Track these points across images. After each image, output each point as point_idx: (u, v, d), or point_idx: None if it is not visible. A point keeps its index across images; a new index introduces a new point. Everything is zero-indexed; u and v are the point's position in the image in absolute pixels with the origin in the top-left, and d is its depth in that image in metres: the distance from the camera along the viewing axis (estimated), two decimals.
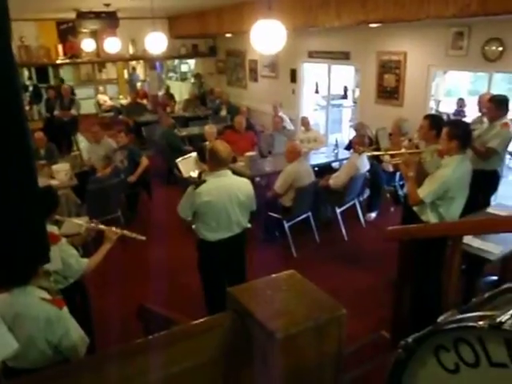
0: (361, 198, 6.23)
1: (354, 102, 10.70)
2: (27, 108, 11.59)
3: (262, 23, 3.37)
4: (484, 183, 4.42)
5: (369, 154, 4.40)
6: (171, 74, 16.16)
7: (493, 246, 3.39)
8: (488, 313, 1.08)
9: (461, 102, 8.36)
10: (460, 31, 6.07)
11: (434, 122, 3.85)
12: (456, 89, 12.14)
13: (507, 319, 0.98)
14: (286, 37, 3.43)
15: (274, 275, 1.63)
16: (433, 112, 6.67)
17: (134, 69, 15.14)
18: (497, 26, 5.57)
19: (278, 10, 3.77)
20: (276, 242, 5.45)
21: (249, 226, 3.59)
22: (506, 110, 4.63)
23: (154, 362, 1.39)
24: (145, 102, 12.07)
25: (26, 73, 12.59)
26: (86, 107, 12.14)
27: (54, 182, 5.45)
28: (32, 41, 10.11)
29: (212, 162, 3.41)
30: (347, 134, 10.05)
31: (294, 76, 9.40)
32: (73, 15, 8.29)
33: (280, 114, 8.26)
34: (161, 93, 12.70)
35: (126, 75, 15.15)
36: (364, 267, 4.92)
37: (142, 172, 6.29)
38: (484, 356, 1.05)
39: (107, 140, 6.66)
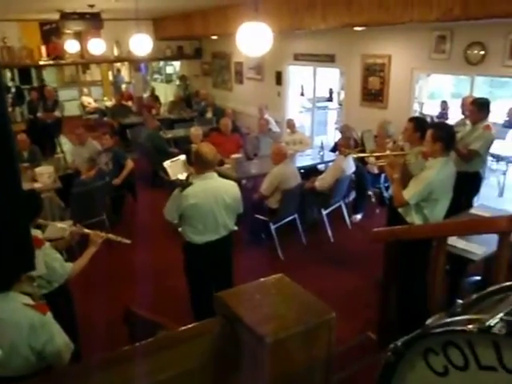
0: (346, 200, 6.26)
1: (340, 105, 10.76)
2: (10, 110, 11.41)
3: (248, 25, 3.37)
4: (467, 185, 4.48)
5: (354, 155, 4.43)
6: (156, 76, 16.08)
7: (476, 247, 3.44)
8: (476, 316, 1.09)
9: (444, 105, 8.47)
10: (443, 35, 6.16)
11: (419, 124, 3.90)
12: (439, 91, 12.31)
13: (496, 323, 0.99)
14: (272, 39, 3.43)
15: (262, 279, 1.62)
16: (417, 114, 6.74)
17: (118, 70, 15.02)
18: (478, 30, 5.66)
19: (263, 12, 3.78)
20: (262, 244, 5.45)
21: (235, 228, 3.59)
22: (488, 112, 4.70)
23: (141, 369, 1.37)
24: (130, 104, 11.98)
25: (8, 74, 12.38)
26: (70, 109, 12.02)
27: (37, 185, 5.37)
28: (15, 42, 9.96)
29: (198, 164, 3.40)
30: (332, 136, 10.10)
31: (279, 78, 9.43)
32: (56, 16, 8.19)
33: (266, 116, 8.28)
34: (146, 95, 12.62)
35: (110, 77, 15.02)
36: (350, 268, 4.94)
37: (127, 174, 6.24)
38: (473, 359, 1.05)
39: (92, 142, 6.59)
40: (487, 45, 5.71)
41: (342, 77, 9.68)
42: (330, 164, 6.20)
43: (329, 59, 8.13)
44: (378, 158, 4.19)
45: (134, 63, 12.52)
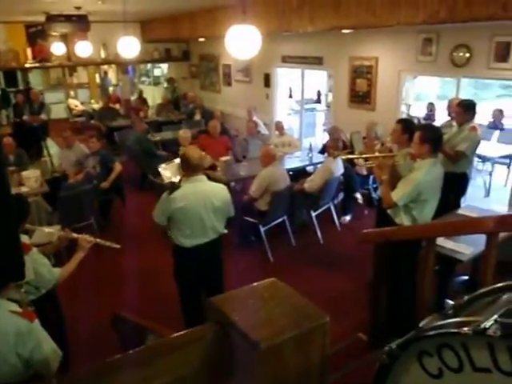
0: (335, 202, 6.29)
1: (328, 107, 10.82)
2: None
3: (237, 28, 3.37)
4: (454, 185, 4.53)
5: (343, 157, 4.45)
6: (144, 79, 16.01)
7: (464, 247, 3.48)
8: (470, 318, 1.09)
9: (431, 106, 8.57)
10: (429, 37, 6.23)
11: (407, 126, 3.93)
12: (425, 93, 12.45)
13: (491, 325, 1.00)
14: (260, 42, 3.44)
15: (255, 283, 1.61)
16: (404, 116, 6.81)
17: (105, 73, 14.92)
18: (464, 32, 5.73)
19: (251, 14, 3.79)
20: (252, 246, 5.45)
21: (225, 231, 3.58)
22: (474, 114, 4.76)
23: (132, 378, 1.35)
24: (117, 106, 11.91)
25: None
26: (57, 112, 11.88)
27: (24, 189, 5.30)
28: (0, 44, 9.83)
29: (185, 168, 3.39)
30: (321, 137, 10.15)
31: (267, 81, 9.45)
32: (42, 18, 8.11)
33: (254, 118, 8.28)
34: (133, 97, 12.56)
35: (97, 79, 14.92)
36: (340, 270, 4.96)
37: (116, 178, 6.19)
38: (467, 361, 1.06)
39: (79, 145, 6.53)
40: (472, 47, 5.78)
41: (329, 79, 9.75)
42: (319, 166, 6.22)
43: (317, 61, 8.16)
44: (366, 159, 4.22)
45: (122, 66, 12.45)
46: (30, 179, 5.50)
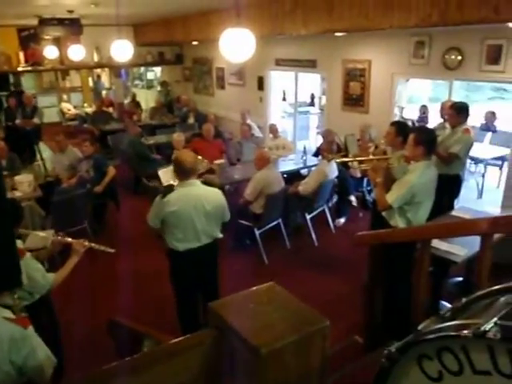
0: (330, 204, 6.30)
1: (321, 109, 10.85)
2: None
3: (231, 31, 3.37)
4: (448, 187, 4.56)
5: (338, 160, 4.46)
6: (137, 82, 15.97)
7: (458, 249, 3.50)
8: (469, 321, 1.10)
9: (424, 109, 8.62)
10: (421, 40, 6.28)
11: (400, 128, 3.95)
12: (417, 96, 12.54)
13: (491, 327, 1.00)
14: (255, 45, 3.44)
15: (254, 288, 1.60)
16: (397, 119, 6.84)
17: (98, 77, 14.87)
18: (456, 35, 5.78)
19: (245, 17, 3.78)
20: (247, 249, 5.44)
21: (220, 236, 3.55)
22: (467, 116, 4.80)
23: None
24: (110, 110, 11.86)
25: None
26: (50, 116, 11.84)
27: (17, 194, 5.26)
28: None
29: (178, 172, 3.38)
30: (314, 140, 10.17)
31: (261, 84, 9.46)
32: (35, 22, 8.06)
33: (248, 121, 8.29)
34: (127, 101, 12.52)
35: (90, 83, 14.86)
36: (335, 272, 4.97)
37: (109, 182, 6.16)
38: (467, 364, 1.06)
39: (72, 149, 6.50)
40: (464, 50, 5.83)
41: (323, 82, 9.78)
42: (313, 168, 6.23)
43: (310, 64, 8.19)
44: (361, 162, 4.23)
45: (115, 69, 12.42)
46: (23, 184, 5.46)
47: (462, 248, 3.50)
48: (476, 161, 7.38)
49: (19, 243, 2.74)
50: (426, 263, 2.58)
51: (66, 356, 2.98)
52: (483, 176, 7.32)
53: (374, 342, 2.93)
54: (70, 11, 7.28)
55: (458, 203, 5.27)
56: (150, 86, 15.36)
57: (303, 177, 6.45)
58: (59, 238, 3.03)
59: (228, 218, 3.62)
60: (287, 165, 6.74)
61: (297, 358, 1.34)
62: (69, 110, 13.25)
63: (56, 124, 12.34)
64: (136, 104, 11.56)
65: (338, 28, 5.50)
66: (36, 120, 8.85)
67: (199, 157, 5.58)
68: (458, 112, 4.73)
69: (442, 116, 5.50)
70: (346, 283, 4.65)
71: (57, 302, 3.22)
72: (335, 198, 6.51)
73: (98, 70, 14.31)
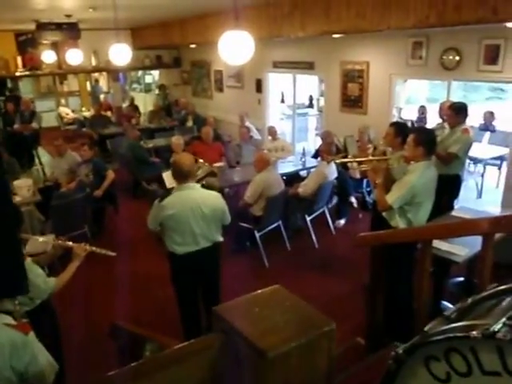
0: (329, 206, 6.30)
1: (320, 111, 10.86)
2: None
3: (230, 34, 3.37)
4: (448, 187, 4.56)
5: (338, 161, 4.46)
6: (135, 86, 15.99)
7: (459, 249, 3.50)
8: (477, 322, 1.09)
9: (422, 109, 8.63)
10: (419, 41, 6.29)
11: (399, 129, 3.96)
12: (415, 97, 12.56)
13: (500, 328, 1.00)
14: (253, 47, 3.44)
15: (259, 291, 1.59)
16: (396, 119, 6.85)
17: (96, 81, 14.89)
18: (453, 36, 5.80)
19: (243, 20, 3.79)
20: (247, 252, 5.43)
21: (220, 239, 3.53)
22: (465, 116, 4.80)
23: None
24: (109, 114, 11.86)
25: None
26: (48, 120, 11.83)
27: (16, 199, 5.25)
28: None
29: (176, 175, 3.38)
30: (313, 142, 10.17)
31: (259, 86, 9.48)
32: (32, 26, 8.07)
33: (247, 123, 8.30)
34: (125, 104, 12.52)
35: (88, 87, 14.87)
36: (336, 273, 4.96)
37: (108, 186, 6.15)
38: (476, 365, 1.05)
39: (71, 153, 6.49)
40: (462, 50, 5.85)
41: (321, 83, 9.80)
42: (313, 170, 6.23)
43: (308, 66, 8.20)
44: (360, 163, 4.23)
45: (113, 73, 12.42)
46: (22, 188, 5.45)
47: (462, 248, 3.50)
48: (475, 161, 7.39)
49: None
50: (428, 264, 2.57)
51: (67, 361, 2.97)
52: (482, 176, 7.32)
53: (377, 343, 2.92)
54: (68, 16, 7.29)
55: (457, 203, 5.27)
56: (148, 89, 15.38)
57: (302, 178, 6.45)
58: (60, 242, 3.02)
59: (228, 222, 3.59)
60: (286, 167, 6.73)
61: (304, 361, 1.33)
62: (67, 114, 13.25)
63: (54, 128, 12.34)
64: (134, 108, 11.57)
65: (336, 30, 5.51)
66: (34, 125, 8.84)
67: (201, 160, 5.57)
68: (456, 112, 4.74)
69: (441, 116, 5.51)
70: (347, 284, 4.65)
71: (57, 306, 3.20)
72: (335, 200, 6.50)
73: (96, 74, 14.33)
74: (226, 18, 6.45)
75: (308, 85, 11.60)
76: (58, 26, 7.78)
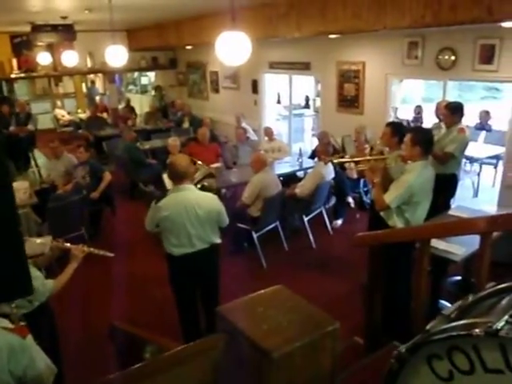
0: (327, 206, 6.30)
1: (316, 112, 10.87)
2: None
3: (226, 35, 3.37)
4: (444, 186, 4.57)
5: (335, 161, 4.47)
6: (131, 87, 15.95)
7: (457, 248, 3.51)
8: (479, 320, 1.10)
9: (418, 109, 8.65)
10: (415, 41, 6.31)
11: (396, 128, 3.97)
12: (410, 96, 12.60)
13: (503, 326, 1.00)
14: (250, 48, 3.45)
15: (262, 291, 1.59)
16: (392, 119, 6.87)
17: (93, 82, 14.84)
18: (449, 36, 5.82)
19: (239, 21, 3.79)
20: (245, 253, 5.43)
21: (218, 241, 3.51)
22: (461, 115, 4.82)
23: None
24: (105, 115, 11.84)
25: None
26: (43, 122, 11.80)
27: None
28: None
29: (172, 176, 3.38)
30: (310, 142, 10.18)
31: (255, 87, 9.48)
32: (27, 28, 8.04)
33: (243, 124, 8.29)
34: (121, 106, 12.50)
35: (84, 89, 14.83)
36: (333, 273, 4.97)
37: (105, 187, 6.14)
38: (479, 363, 1.06)
39: (67, 155, 6.47)
40: (458, 50, 5.87)
41: (317, 84, 9.81)
42: (310, 170, 6.24)
43: (304, 67, 8.21)
44: (358, 162, 4.24)
45: (108, 74, 12.40)
46: (19, 191, 5.42)
47: (460, 247, 3.52)
48: (471, 160, 7.41)
49: None
50: (426, 263, 2.58)
51: (65, 363, 2.96)
52: (478, 175, 7.35)
53: (375, 342, 2.92)
54: (64, 17, 7.27)
55: (454, 202, 5.29)
56: (144, 90, 15.35)
57: (299, 179, 6.45)
58: (58, 243, 3.01)
59: (225, 224, 3.57)
60: (283, 167, 6.74)
61: (308, 361, 1.33)
62: (63, 116, 13.21)
63: (50, 130, 12.29)
64: (130, 109, 11.54)
65: (332, 30, 5.51)
66: (30, 127, 8.82)
67: (199, 162, 5.57)
68: (452, 112, 4.76)
69: (438, 116, 5.53)
70: (344, 284, 4.65)
71: (55, 308, 3.19)
72: (332, 200, 6.51)
73: (92, 76, 14.29)
74: (222, 19, 6.45)
75: (304, 85, 11.61)
76: (54, 28, 7.75)
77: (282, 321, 1.40)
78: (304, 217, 5.65)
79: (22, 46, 10.37)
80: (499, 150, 7.13)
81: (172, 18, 8.43)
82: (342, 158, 4.66)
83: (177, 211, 3.26)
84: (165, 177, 5.88)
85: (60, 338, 3.16)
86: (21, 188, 5.48)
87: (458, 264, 3.74)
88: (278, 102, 11.22)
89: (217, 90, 10.86)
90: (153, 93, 13.29)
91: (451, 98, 6.24)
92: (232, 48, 3.40)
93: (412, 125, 7.70)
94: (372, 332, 3.15)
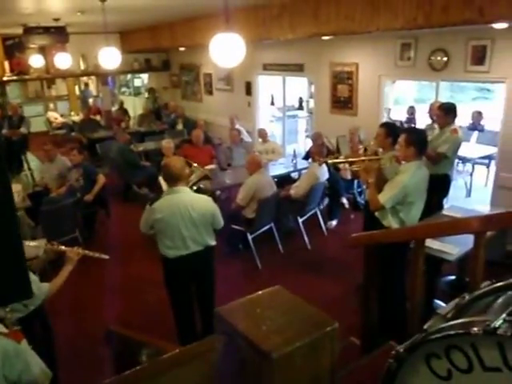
0: (321, 207, 6.32)
1: (310, 113, 10.90)
2: None
3: (220, 36, 3.37)
4: (437, 187, 4.59)
5: (330, 161, 4.48)
6: (124, 89, 15.90)
7: (451, 247, 3.53)
8: (476, 318, 1.10)
9: (411, 110, 8.71)
10: (407, 43, 6.35)
11: (390, 129, 3.99)
12: (403, 97, 12.67)
13: (500, 324, 1.01)
14: (245, 50, 3.45)
15: (260, 292, 1.59)
16: (386, 120, 6.90)
17: (86, 85, 14.78)
18: (441, 37, 5.86)
19: (232, 22, 3.79)
20: (240, 254, 5.43)
21: (212, 243, 3.51)
22: (454, 116, 4.86)
23: None
24: (98, 118, 11.79)
25: None
26: (36, 125, 11.71)
27: None
28: None
29: (166, 178, 3.38)
30: (304, 144, 10.21)
31: (249, 88, 9.48)
32: (19, 30, 7.98)
33: (237, 126, 8.30)
34: (114, 108, 12.45)
35: (77, 91, 14.76)
36: (328, 274, 4.98)
37: (99, 190, 6.11)
38: (477, 361, 1.07)
39: (61, 158, 6.43)
40: (450, 51, 5.91)
41: (310, 85, 9.84)
42: (304, 172, 6.25)
43: (297, 68, 8.23)
44: (352, 163, 4.26)
45: (101, 77, 12.36)
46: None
47: (454, 247, 3.54)
48: (464, 160, 7.46)
49: None
50: (421, 263, 2.59)
51: (60, 367, 2.94)
52: (471, 175, 7.40)
53: (371, 342, 2.93)
54: (56, 19, 7.23)
55: (447, 202, 5.33)
56: (137, 93, 15.30)
57: (294, 180, 6.46)
58: (53, 246, 2.99)
59: (220, 226, 3.56)
60: (277, 169, 6.75)
61: (307, 361, 1.33)
62: (56, 118, 13.14)
63: (43, 133, 12.21)
64: (124, 111, 11.51)
65: (325, 32, 5.53)
66: (23, 130, 8.76)
67: (195, 164, 5.56)
68: (446, 112, 4.79)
69: (431, 117, 5.57)
70: (340, 285, 4.67)
71: (50, 311, 3.17)
72: (326, 201, 6.53)
73: (86, 78, 14.23)
74: (215, 20, 6.46)
75: (298, 87, 11.64)
76: (46, 30, 7.69)
77: (281, 321, 1.40)
78: (298, 218, 5.66)
79: (14, 48, 10.30)
80: (491, 150, 7.19)
81: (165, 20, 8.42)
82: (337, 158, 4.67)
83: (171, 213, 3.26)
84: (161, 179, 5.87)
85: (55, 342, 3.14)
86: (14, 191, 5.42)
87: (452, 263, 3.76)
88: (272, 103, 11.24)
89: (210, 92, 10.86)
90: (146, 95, 13.25)
91: (443, 98, 6.28)
92: (226, 50, 3.41)
93: (405, 126, 7.74)
94: (368, 332, 3.15)
